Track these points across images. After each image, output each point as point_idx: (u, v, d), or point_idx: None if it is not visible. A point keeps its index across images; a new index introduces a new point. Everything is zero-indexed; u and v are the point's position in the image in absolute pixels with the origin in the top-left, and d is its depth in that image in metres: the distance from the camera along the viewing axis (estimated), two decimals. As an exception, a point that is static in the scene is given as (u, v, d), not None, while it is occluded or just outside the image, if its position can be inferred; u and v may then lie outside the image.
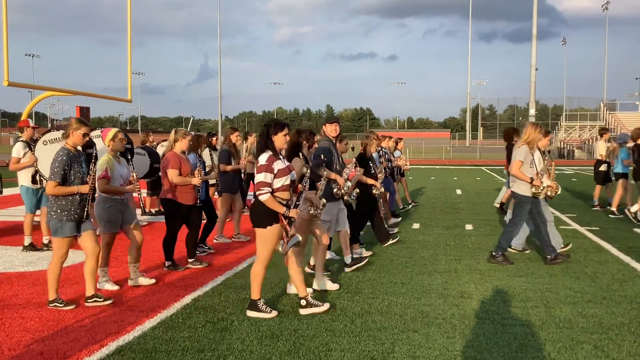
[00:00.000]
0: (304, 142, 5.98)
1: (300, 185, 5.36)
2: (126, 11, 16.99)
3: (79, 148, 5.54)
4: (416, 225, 10.59)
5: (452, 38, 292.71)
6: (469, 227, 10.49)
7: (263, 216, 5.05)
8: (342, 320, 5.03)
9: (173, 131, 7.01)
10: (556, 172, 11.59)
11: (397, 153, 12.41)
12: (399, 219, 11.15)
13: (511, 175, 7.47)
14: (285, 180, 5.06)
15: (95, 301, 5.50)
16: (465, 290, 6.06)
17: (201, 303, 5.56)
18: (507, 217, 10.72)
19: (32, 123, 8.59)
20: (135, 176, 6.27)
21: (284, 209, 5.02)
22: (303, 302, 5.27)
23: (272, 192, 5.00)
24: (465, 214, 12.29)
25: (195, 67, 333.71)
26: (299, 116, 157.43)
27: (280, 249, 5.11)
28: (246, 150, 11.61)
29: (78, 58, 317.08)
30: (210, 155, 10.59)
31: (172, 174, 6.71)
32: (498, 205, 12.50)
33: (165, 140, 10.04)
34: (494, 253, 7.45)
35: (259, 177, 4.99)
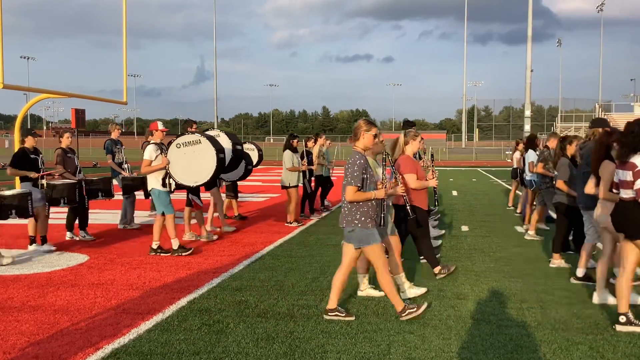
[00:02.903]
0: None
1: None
2: (122, 13, 16.94)
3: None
4: (412, 227, 10.58)
5: (448, 40, 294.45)
6: (464, 228, 10.49)
7: None
8: (337, 322, 5.03)
9: (402, 134, 6.69)
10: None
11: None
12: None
13: None
14: None
15: (337, 315, 5.13)
16: (461, 291, 6.07)
17: (197, 305, 5.54)
18: None
19: (160, 126, 8.28)
20: (396, 179, 5.82)
21: None
22: (623, 319, 4.88)
23: None
24: (461, 215, 12.30)
25: (191, 69, 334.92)
26: (295, 118, 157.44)
27: None
28: (318, 152, 11.52)
29: (73, 60, 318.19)
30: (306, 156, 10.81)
31: (411, 179, 6.44)
32: None
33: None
34: None
35: None
